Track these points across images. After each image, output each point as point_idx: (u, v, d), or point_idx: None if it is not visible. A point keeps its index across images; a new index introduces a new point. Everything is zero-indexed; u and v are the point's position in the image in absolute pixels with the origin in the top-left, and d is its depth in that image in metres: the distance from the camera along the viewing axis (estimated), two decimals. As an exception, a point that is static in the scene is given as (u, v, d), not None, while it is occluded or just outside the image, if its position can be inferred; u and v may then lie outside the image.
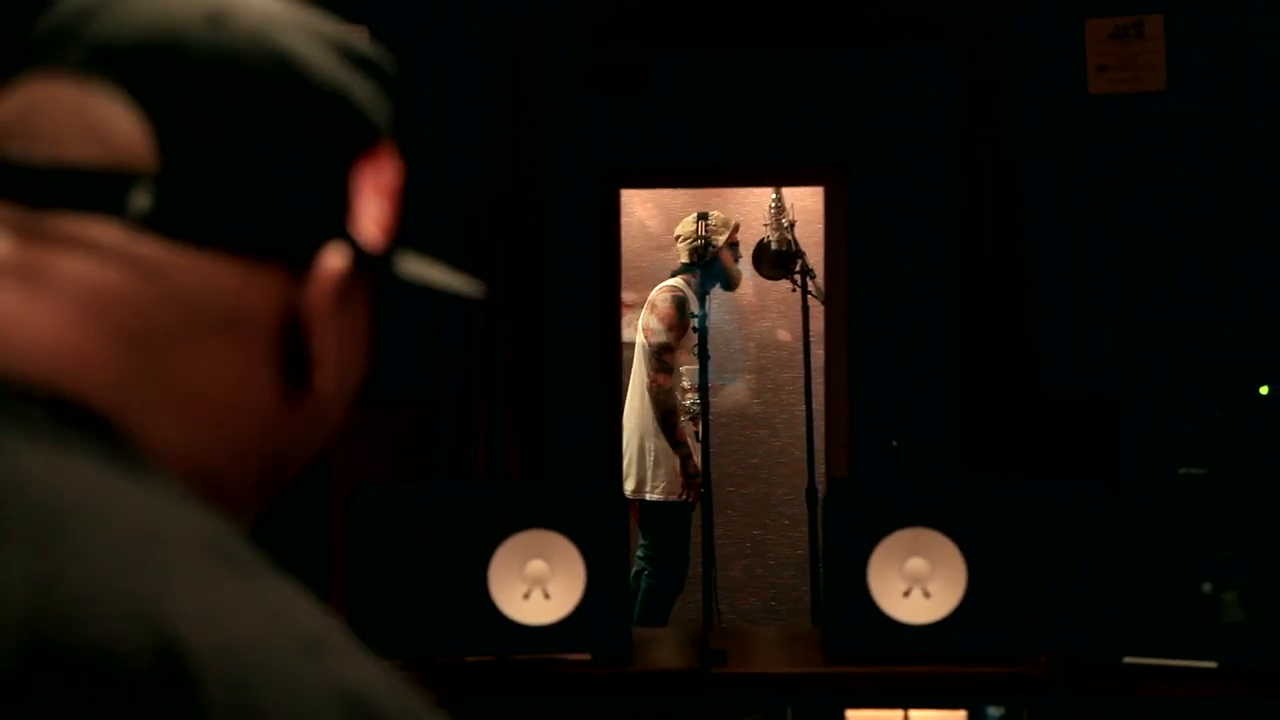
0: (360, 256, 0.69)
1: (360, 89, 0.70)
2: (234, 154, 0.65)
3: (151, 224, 0.64)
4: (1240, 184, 3.52)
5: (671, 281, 5.10)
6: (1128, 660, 2.30)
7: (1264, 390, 2.35)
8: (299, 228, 0.67)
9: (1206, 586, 2.31)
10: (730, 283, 5.05)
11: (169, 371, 0.65)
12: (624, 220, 4.82)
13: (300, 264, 0.67)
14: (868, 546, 2.32)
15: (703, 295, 4.86)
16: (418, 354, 3.65)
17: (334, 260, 0.67)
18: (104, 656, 0.53)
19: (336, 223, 0.68)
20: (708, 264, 4.93)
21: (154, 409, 0.65)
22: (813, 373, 4.85)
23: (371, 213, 0.70)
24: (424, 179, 3.58)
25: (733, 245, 5.09)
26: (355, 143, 0.69)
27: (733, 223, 5.13)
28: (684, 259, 5.10)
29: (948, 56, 3.83)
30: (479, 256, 3.60)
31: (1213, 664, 2.28)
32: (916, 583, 2.32)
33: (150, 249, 0.64)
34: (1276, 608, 2.29)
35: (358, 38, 0.72)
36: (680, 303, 4.96)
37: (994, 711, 2.26)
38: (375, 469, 3.15)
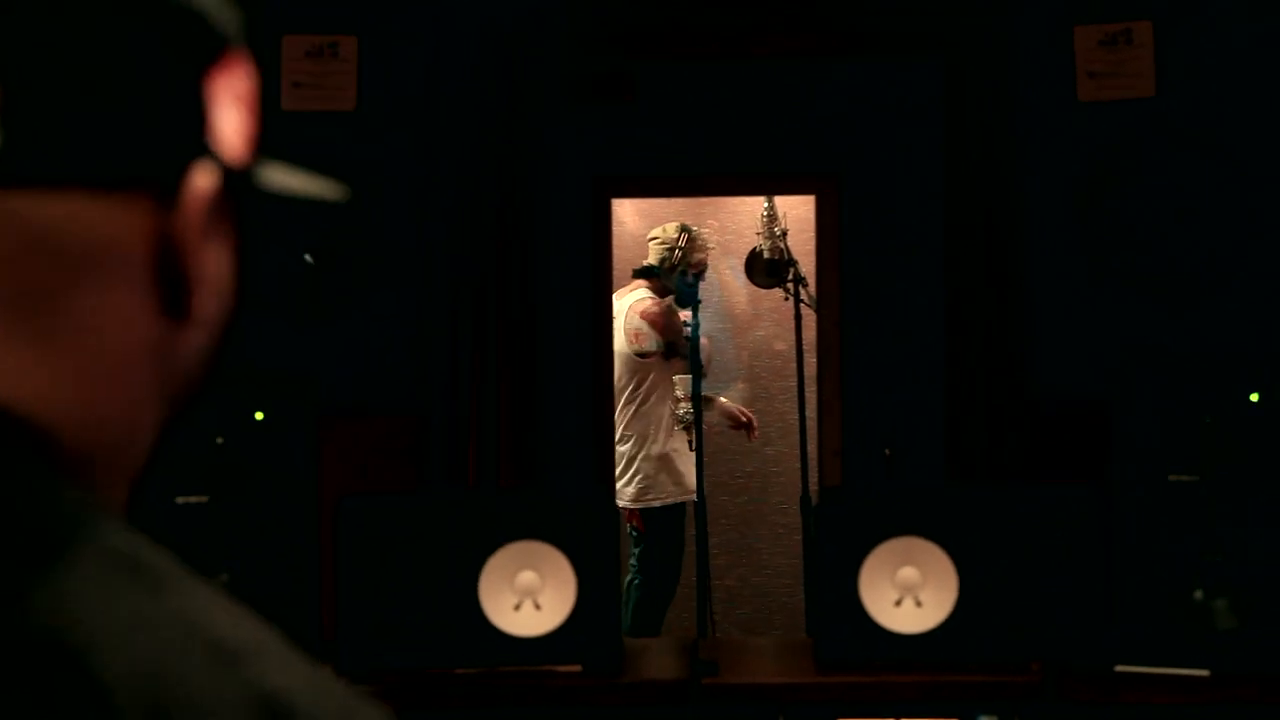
0: (226, 172, 0.65)
1: None
2: (84, 84, 0.60)
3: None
4: (1227, 191, 3.52)
5: (644, 292, 5.06)
6: (1119, 668, 2.29)
7: (1254, 397, 2.35)
8: (159, 152, 0.62)
9: (1198, 593, 2.30)
10: (683, 300, 4.93)
11: (51, 329, 0.61)
12: (615, 230, 4.82)
13: (166, 189, 0.63)
14: (859, 556, 2.31)
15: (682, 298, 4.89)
16: (406, 362, 3.64)
17: (203, 181, 0.63)
18: (10, 675, 0.52)
19: (197, 140, 0.64)
20: (671, 271, 4.94)
21: (45, 377, 0.61)
22: (806, 381, 4.84)
23: (231, 124, 0.66)
24: (414, 185, 3.58)
25: (699, 271, 5.06)
26: (205, 53, 0.64)
27: (708, 248, 5.14)
28: (650, 259, 5.10)
29: (935, 64, 3.83)
30: (467, 263, 3.59)
31: (1205, 672, 2.27)
32: (908, 592, 2.32)
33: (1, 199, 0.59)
34: (1268, 614, 2.28)
35: None
36: (671, 309, 5.00)
37: (986, 720, 2.25)
38: (364, 479, 3.14)
